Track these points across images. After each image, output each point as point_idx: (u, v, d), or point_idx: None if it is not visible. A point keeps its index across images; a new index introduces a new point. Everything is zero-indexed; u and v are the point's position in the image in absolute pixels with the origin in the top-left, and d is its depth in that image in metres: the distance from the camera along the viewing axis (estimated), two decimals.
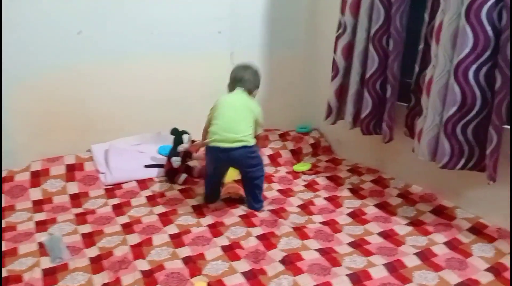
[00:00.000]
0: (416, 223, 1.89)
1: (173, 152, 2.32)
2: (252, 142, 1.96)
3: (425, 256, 1.64)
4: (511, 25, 1.52)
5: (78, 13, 2.25)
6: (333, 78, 2.35)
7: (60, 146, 2.35)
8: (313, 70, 2.91)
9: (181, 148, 2.31)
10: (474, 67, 1.63)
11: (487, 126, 1.68)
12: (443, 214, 1.92)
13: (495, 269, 1.55)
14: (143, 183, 2.28)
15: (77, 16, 2.25)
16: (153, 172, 2.36)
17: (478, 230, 1.78)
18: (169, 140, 2.39)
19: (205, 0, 2.54)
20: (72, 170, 2.26)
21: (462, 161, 1.75)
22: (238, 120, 1.94)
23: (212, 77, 2.69)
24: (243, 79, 2.04)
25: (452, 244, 1.72)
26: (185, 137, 2.32)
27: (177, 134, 2.33)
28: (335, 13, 2.59)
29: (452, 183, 1.96)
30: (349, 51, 2.25)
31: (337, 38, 2.29)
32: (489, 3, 1.55)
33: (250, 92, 2.07)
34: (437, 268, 1.57)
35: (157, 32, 2.46)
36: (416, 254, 1.65)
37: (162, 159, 2.39)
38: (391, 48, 2.03)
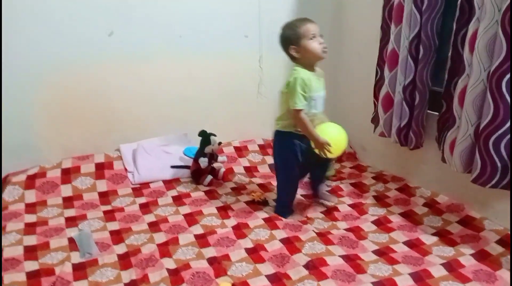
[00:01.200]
0: (442, 233, 1.86)
1: (200, 153, 2.36)
2: (277, 126, 1.92)
3: (452, 267, 1.62)
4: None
5: (106, 11, 2.30)
6: (380, 87, 2.31)
7: (87, 144, 2.42)
8: (337, 75, 2.90)
9: (208, 149, 2.35)
10: (507, 77, 1.60)
11: None
12: (471, 225, 1.89)
13: None
14: (169, 183, 2.32)
15: (105, 15, 2.30)
16: (179, 173, 2.40)
17: (507, 243, 1.74)
18: (195, 141, 2.43)
19: (233, 7, 2.58)
20: (101, 169, 2.32)
21: (495, 179, 1.71)
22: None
23: (240, 79, 2.74)
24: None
25: (480, 256, 1.68)
26: (212, 139, 2.36)
27: (205, 136, 2.37)
28: (361, 19, 2.59)
29: (480, 194, 1.93)
30: (394, 61, 2.18)
31: (382, 47, 2.29)
32: None
33: (291, 57, 1.86)
34: (464, 279, 1.55)
35: (186, 34, 2.51)
36: (443, 264, 1.63)
37: (188, 160, 2.43)
38: (421, 55, 2.02)
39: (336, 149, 1.83)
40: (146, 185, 2.29)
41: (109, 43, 2.34)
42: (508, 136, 1.65)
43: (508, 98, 1.61)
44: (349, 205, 2.16)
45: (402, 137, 2.20)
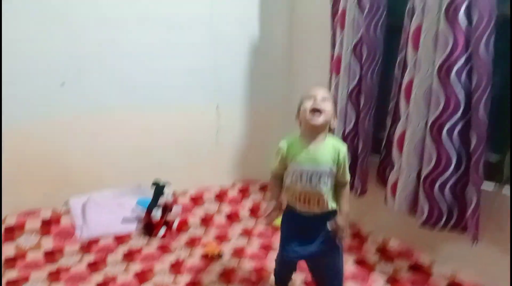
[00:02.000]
0: (394, 280, 1.89)
1: (153, 205, 2.31)
2: None
3: None
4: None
5: (58, 65, 2.28)
6: None
7: (36, 199, 2.31)
8: (291, 123, 2.97)
9: (161, 200, 2.31)
10: (447, 126, 1.70)
11: (464, 185, 1.73)
12: (421, 270, 1.93)
13: None
14: (120, 238, 2.24)
15: (57, 69, 2.28)
16: (131, 226, 2.33)
17: None
18: (149, 192, 2.39)
19: (188, 54, 2.63)
20: (48, 224, 2.21)
21: (442, 221, 1.79)
22: None
23: (196, 128, 2.75)
24: None
25: None
26: (166, 190, 2.33)
27: (158, 187, 2.33)
28: (311, 68, 2.71)
29: (429, 238, 1.98)
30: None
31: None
32: (458, 64, 1.65)
33: None
34: None
35: (138, 86, 2.51)
36: None
37: (141, 213, 2.37)
38: (362, 104, 2.11)
39: None
40: (95, 240, 2.20)
41: (61, 96, 2.31)
42: (452, 180, 1.75)
43: (451, 146, 1.72)
44: None
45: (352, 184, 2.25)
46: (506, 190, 1.71)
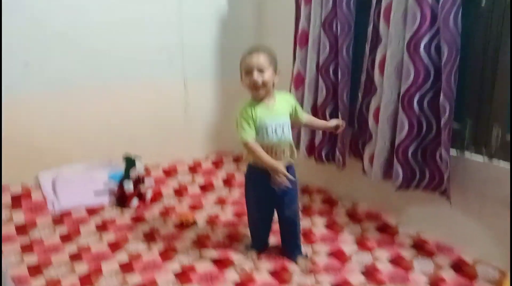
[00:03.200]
0: (362, 241, 1.96)
1: (125, 178, 2.31)
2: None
3: (370, 272, 1.72)
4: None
5: (24, 44, 2.23)
6: None
7: (4, 177, 2.26)
8: None
9: (134, 173, 2.31)
10: (417, 96, 1.77)
11: (434, 149, 1.82)
12: (387, 231, 2.02)
13: (435, 283, 1.65)
14: (93, 210, 2.24)
15: (23, 47, 2.23)
16: (104, 199, 2.33)
17: (419, 246, 1.88)
18: (120, 166, 2.38)
19: (156, 30, 2.59)
20: (18, 199, 2.19)
21: (414, 183, 1.88)
22: None
23: (165, 103, 2.73)
24: None
25: (395, 260, 1.80)
26: (138, 162, 2.32)
27: (129, 160, 2.32)
28: (280, 41, 2.69)
29: (395, 201, 2.08)
30: (300, 81, 2.32)
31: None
32: (426, 39, 1.70)
33: None
34: (380, 283, 1.65)
35: (105, 62, 2.47)
36: (362, 271, 1.72)
37: (113, 185, 2.36)
38: (340, 78, 2.12)
39: None
40: (67, 213, 2.19)
41: (25, 76, 2.25)
42: (423, 145, 1.83)
43: (421, 115, 1.79)
44: None
45: (316, 153, 2.31)
46: (467, 155, 1.81)
